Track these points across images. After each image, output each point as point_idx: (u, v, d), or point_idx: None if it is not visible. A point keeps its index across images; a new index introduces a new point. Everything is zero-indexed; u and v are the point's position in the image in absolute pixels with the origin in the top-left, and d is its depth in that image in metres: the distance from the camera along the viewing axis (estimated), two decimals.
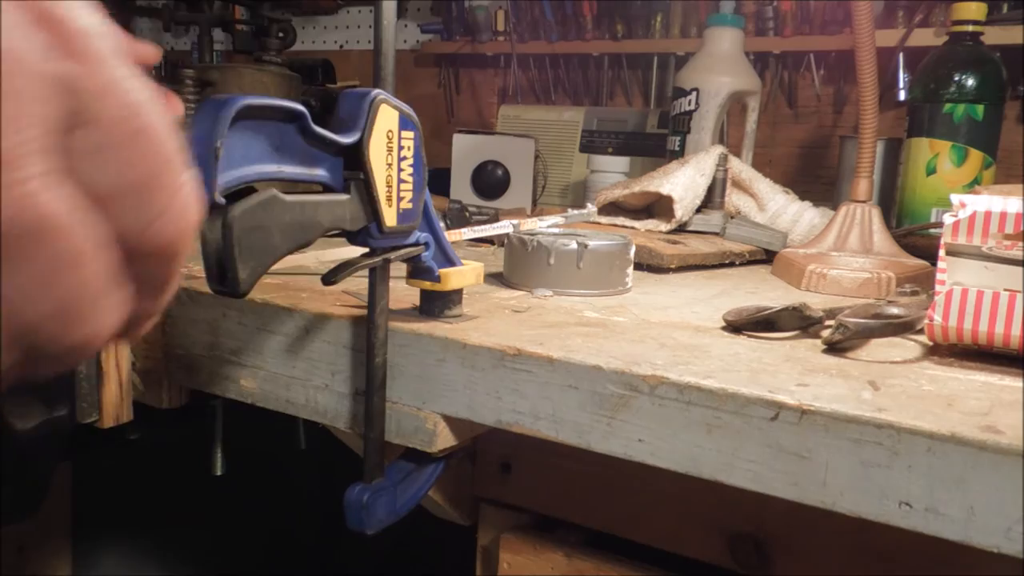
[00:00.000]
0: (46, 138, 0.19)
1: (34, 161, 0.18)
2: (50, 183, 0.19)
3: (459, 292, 0.52)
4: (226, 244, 0.38)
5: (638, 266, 0.71)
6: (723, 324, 0.53)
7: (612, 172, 1.27)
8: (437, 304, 0.52)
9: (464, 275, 0.51)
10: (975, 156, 0.96)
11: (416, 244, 0.47)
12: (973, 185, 0.96)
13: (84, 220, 0.20)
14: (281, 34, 1.27)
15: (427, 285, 0.50)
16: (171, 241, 0.22)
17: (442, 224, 0.51)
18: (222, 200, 0.38)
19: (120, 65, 0.21)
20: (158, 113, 0.21)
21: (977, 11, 0.97)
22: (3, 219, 0.18)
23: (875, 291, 0.69)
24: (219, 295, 0.40)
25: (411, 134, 0.44)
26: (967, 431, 0.35)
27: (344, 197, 0.41)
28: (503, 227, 0.65)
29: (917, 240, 0.92)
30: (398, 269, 0.48)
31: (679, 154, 1.14)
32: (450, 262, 0.51)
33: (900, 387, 0.42)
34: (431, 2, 1.74)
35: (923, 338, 0.50)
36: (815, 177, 1.40)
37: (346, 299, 0.55)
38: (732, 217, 0.94)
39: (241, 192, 0.39)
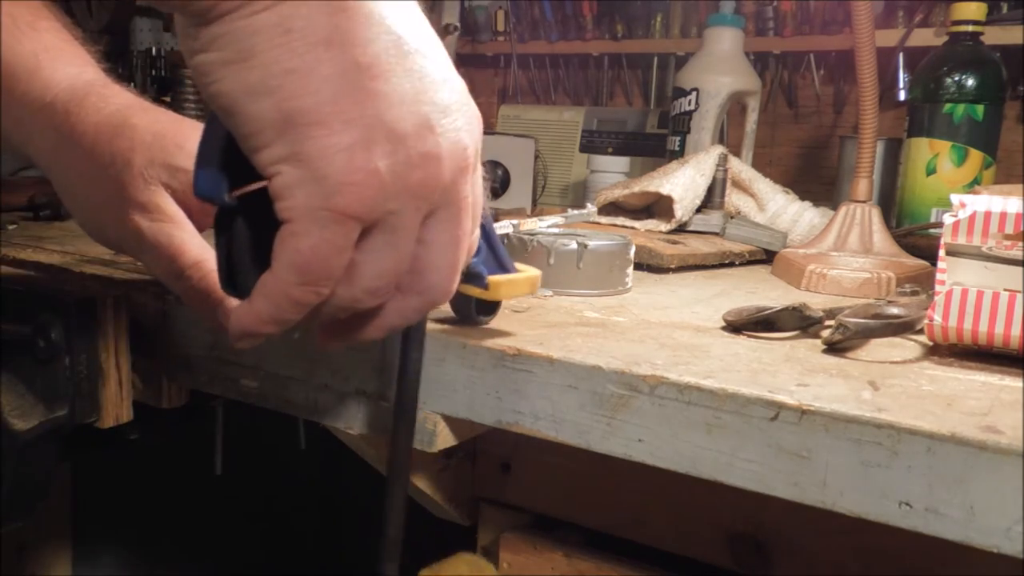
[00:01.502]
0: (472, 167, 0.37)
1: (468, 179, 0.37)
2: (469, 192, 0.37)
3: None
4: (235, 247, 0.38)
5: (638, 266, 0.71)
6: (723, 324, 0.53)
7: (612, 172, 1.27)
8: (480, 310, 0.48)
9: (516, 285, 0.46)
10: (975, 156, 0.96)
11: None
12: (973, 185, 0.96)
13: (470, 221, 0.38)
14: None
15: (476, 292, 0.46)
16: (465, 259, 0.40)
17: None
18: (233, 202, 0.37)
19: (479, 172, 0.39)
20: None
21: (977, 11, 0.97)
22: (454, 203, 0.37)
23: (875, 291, 0.69)
24: (230, 296, 0.40)
25: None
26: (967, 431, 0.35)
27: None
28: (503, 227, 0.65)
29: (917, 240, 0.92)
30: None
31: (679, 154, 1.14)
32: (503, 268, 0.46)
33: (900, 387, 0.42)
34: (431, 2, 1.74)
35: (923, 338, 0.50)
36: (815, 177, 1.41)
37: None
38: (732, 217, 0.93)
39: (253, 194, 0.38)
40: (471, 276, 0.45)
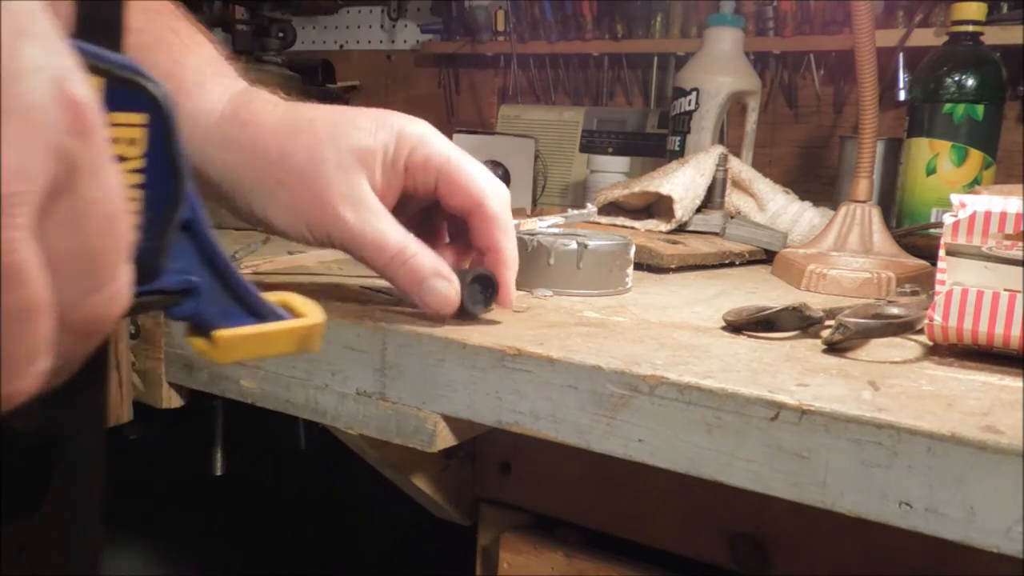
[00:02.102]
0: (40, 195, 0.21)
1: (25, 212, 0.20)
2: (29, 236, 0.21)
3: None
4: None
5: (638, 266, 0.71)
6: (723, 324, 0.53)
7: (612, 172, 1.27)
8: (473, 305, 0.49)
9: (266, 340, 0.31)
10: (975, 156, 0.96)
11: (162, 292, 0.28)
12: (973, 185, 0.96)
13: (45, 279, 0.21)
14: (281, 34, 1.27)
15: (200, 347, 0.31)
16: (94, 320, 0.24)
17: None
18: None
19: (109, 151, 0.23)
20: (125, 204, 0.23)
21: (977, 11, 0.97)
22: None
23: (875, 291, 0.69)
24: None
25: (140, 118, 0.26)
26: (967, 431, 0.35)
27: None
28: None
29: (917, 240, 0.92)
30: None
31: (679, 154, 1.14)
32: (251, 314, 0.31)
33: (900, 387, 0.42)
34: (431, 2, 1.74)
35: (923, 338, 0.50)
36: (815, 177, 1.40)
37: (346, 298, 0.55)
38: (732, 217, 0.93)
39: None
40: (195, 325, 0.31)
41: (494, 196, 0.49)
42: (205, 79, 0.48)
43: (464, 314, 0.50)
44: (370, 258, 0.48)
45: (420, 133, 0.49)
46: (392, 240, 0.48)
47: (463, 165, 0.49)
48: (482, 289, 0.50)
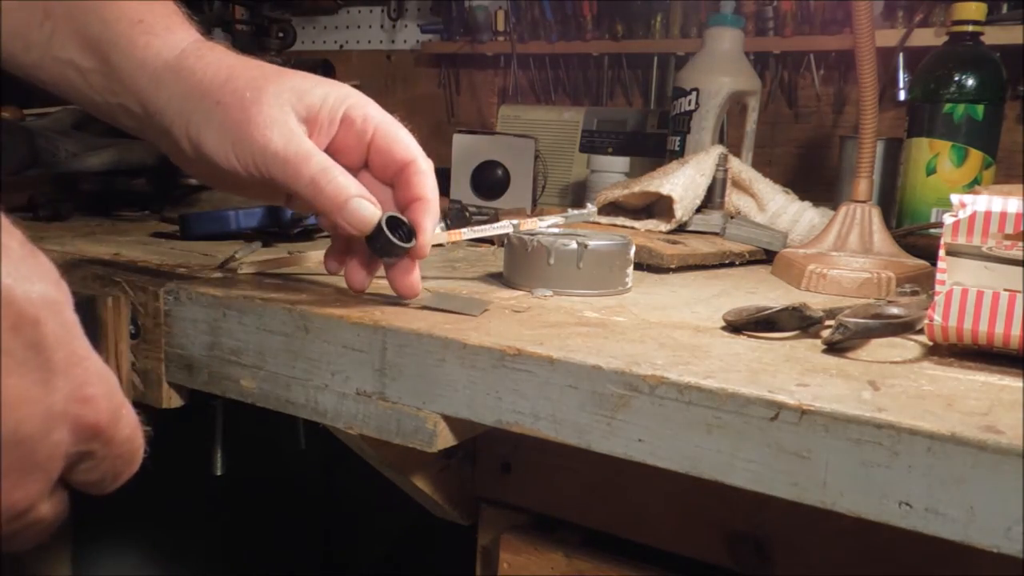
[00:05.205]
0: (56, 473, 0.32)
1: (41, 492, 0.32)
2: (45, 497, 0.32)
3: None
4: None
5: (638, 266, 0.71)
6: (723, 324, 0.53)
7: (612, 172, 1.27)
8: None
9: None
10: (975, 156, 0.96)
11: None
12: (973, 185, 0.96)
13: (51, 498, 0.34)
14: (281, 34, 1.27)
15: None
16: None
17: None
18: None
19: (129, 416, 0.34)
20: (141, 437, 0.35)
21: (977, 11, 0.97)
22: (6, 516, 0.31)
23: (875, 291, 0.69)
24: None
25: None
26: (967, 431, 0.35)
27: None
28: (503, 227, 0.65)
29: (917, 240, 0.92)
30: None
31: (679, 154, 1.14)
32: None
33: (900, 387, 0.42)
34: (431, 2, 1.74)
35: (923, 338, 0.50)
36: (815, 177, 1.40)
37: (346, 298, 0.55)
38: (732, 217, 0.93)
39: None
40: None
41: (424, 156, 0.55)
42: (173, 24, 0.55)
43: (383, 248, 0.51)
44: (293, 175, 0.50)
45: (361, 96, 0.55)
46: (316, 158, 0.51)
47: (399, 128, 0.55)
48: (399, 228, 0.52)
